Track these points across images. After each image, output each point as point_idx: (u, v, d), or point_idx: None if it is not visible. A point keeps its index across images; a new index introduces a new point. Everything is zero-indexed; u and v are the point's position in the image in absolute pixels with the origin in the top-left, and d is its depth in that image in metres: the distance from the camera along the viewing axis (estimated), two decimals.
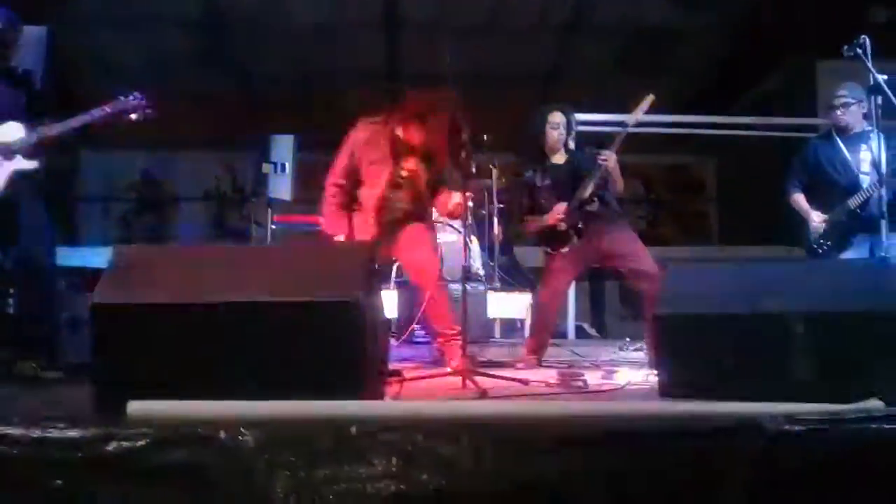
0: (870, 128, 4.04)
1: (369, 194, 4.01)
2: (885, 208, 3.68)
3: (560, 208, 4.24)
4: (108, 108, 3.58)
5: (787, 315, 2.47)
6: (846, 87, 4.18)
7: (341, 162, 4.06)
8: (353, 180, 4.05)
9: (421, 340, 5.19)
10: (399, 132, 3.95)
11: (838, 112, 4.16)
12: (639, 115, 4.07)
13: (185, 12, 8.62)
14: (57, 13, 7.45)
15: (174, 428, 1.81)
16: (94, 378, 2.20)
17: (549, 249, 4.35)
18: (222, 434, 1.79)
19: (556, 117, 4.41)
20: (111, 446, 1.78)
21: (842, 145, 4.16)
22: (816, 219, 4.15)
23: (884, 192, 3.73)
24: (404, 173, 4.01)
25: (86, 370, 2.31)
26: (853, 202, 4.02)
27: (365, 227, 4.00)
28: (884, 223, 3.66)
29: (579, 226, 4.20)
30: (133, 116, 3.65)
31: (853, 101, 4.08)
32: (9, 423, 1.81)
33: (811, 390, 2.27)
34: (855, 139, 4.15)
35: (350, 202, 4.08)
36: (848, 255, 4.06)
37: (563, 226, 4.23)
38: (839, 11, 7.26)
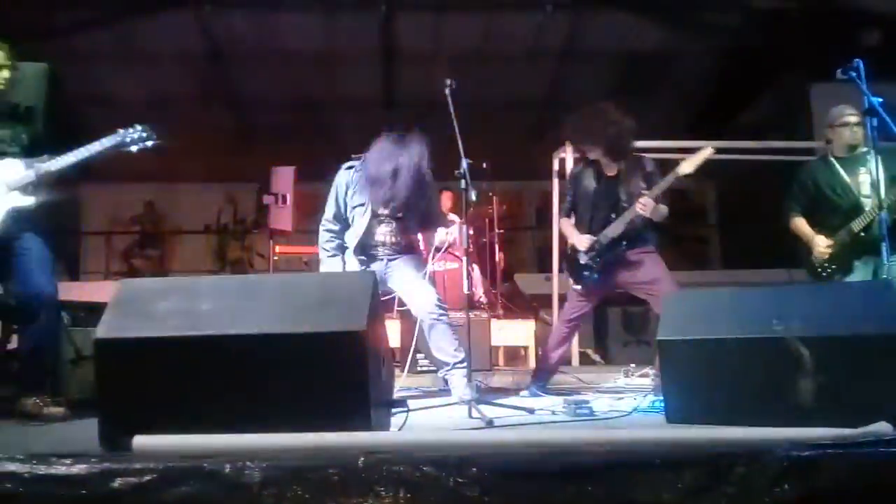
0: (865, 150, 4.05)
1: (356, 233, 4.10)
2: (885, 231, 3.69)
3: (584, 240, 4.19)
4: (107, 142, 3.58)
5: (791, 339, 2.47)
6: (848, 107, 4.18)
7: (329, 208, 4.18)
8: (343, 224, 4.17)
9: (425, 370, 5.18)
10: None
11: (851, 130, 4.14)
12: (692, 167, 3.97)
13: (184, 47, 8.71)
14: (58, 49, 7.55)
15: (180, 462, 1.80)
16: (99, 413, 2.19)
17: (570, 278, 4.33)
18: (228, 468, 1.78)
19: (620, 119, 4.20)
20: (117, 482, 1.77)
21: (839, 168, 4.17)
22: (821, 244, 4.14)
23: (884, 214, 3.74)
24: (385, 211, 4.06)
25: (90, 405, 2.30)
26: (857, 225, 4.02)
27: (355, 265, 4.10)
28: (885, 245, 3.65)
29: (595, 265, 4.16)
30: (134, 149, 3.64)
31: (860, 119, 4.06)
32: (13, 460, 1.81)
33: (818, 414, 2.26)
34: (853, 162, 4.16)
35: (343, 245, 4.18)
36: (852, 277, 4.06)
37: (583, 258, 4.19)
38: (832, 34, 7.33)
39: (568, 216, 4.41)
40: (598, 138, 4.17)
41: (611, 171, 4.23)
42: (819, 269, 4.16)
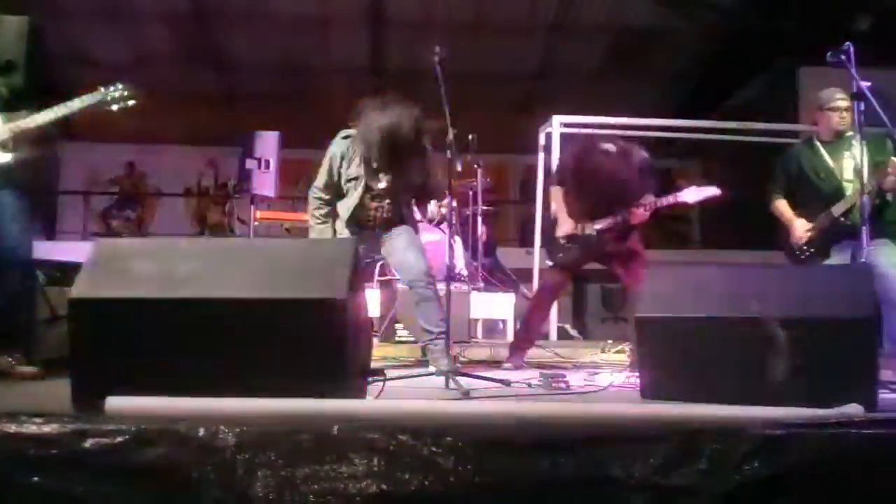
0: (850, 134, 4.05)
1: (348, 206, 4.06)
2: (867, 215, 3.71)
3: (567, 227, 4.27)
4: (87, 99, 3.51)
5: (767, 319, 2.49)
6: (839, 91, 4.17)
7: (322, 177, 4.10)
8: (335, 193, 4.11)
9: (404, 340, 5.18)
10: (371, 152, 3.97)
11: (840, 115, 4.13)
12: (695, 199, 4.18)
13: (170, 6, 8.56)
14: (41, 4, 7.38)
15: (153, 425, 1.79)
16: (72, 373, 2.17)
17: (551, 257, 4.38)
18: (202, 431, 1.77)
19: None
20: (88, 443, 1.76)
21: (824, 152, 4.17)
22: (800, 227, 4.16)
23: (866, 199, 3.75)
24: (381, 186, 4.02)
25: (64, 365, 2.28)
26: (837, 209, 4.04)
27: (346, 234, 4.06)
28: (865, 229, 3.68)
29: (577, 250, 4.26)
30: (115, 107, 3.57)
31: (849, 104, 4.07)
32: None
33: (791, 394, 2.28)
34: (838, 146, 4.16)
35: (334, 212, 4.13)
36: (831, 261, 4.09)
37: (564, 242, 4.28)
38: (824, 18, 7.33)
39: (559, 184, 4.45)
40: None
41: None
42: (797, 252, 4.18)
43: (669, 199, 4.18)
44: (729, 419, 1.93)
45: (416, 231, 4.27)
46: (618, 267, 4.30)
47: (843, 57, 3.57)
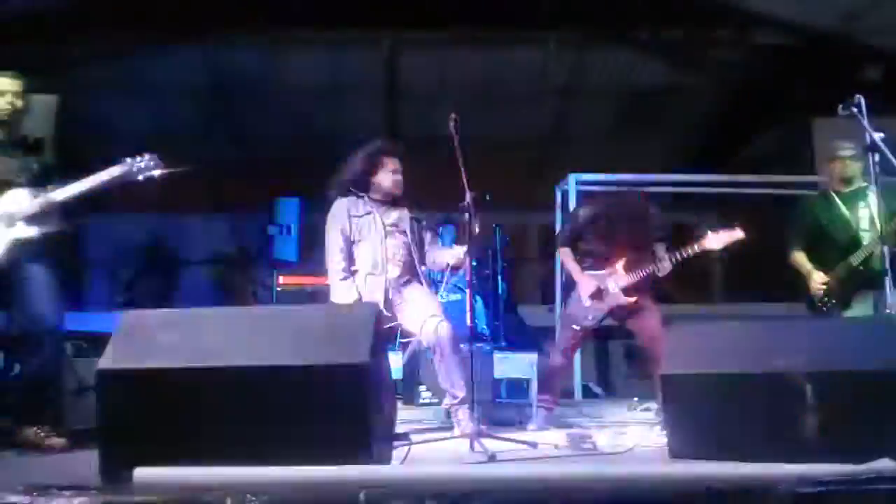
0: (865, 184, 4.07)
1: (361, 266, 4.06)
2: (887, 264, 3.69)
3: (590, 285, 4.25)
4: (114, 171, 3.58)
5: (795, 374, 2.46)
6: (843, 141, 4.22)
7: (336, 245, 4.09)
8: (350, 257, 4.11)
9: (427, 402, 5.14)
10: (376, 212, 4.06)
11: (846, 164, 4.17)
12: (719, 244, 4.14)
13: (189, 79, 8.82)
14: (66, 81, 7.65)
15: (180, 495, 1.79)
16: (100, 444, 2.19)
17: (577, 320, 4.36)
18: (229, 501, 1.77)
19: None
20: None
21: (839, 202, 4.19)
22: (819, 279, 4.15)
23: (885, 248, 3.75)
24: (391, 242, 4.06)
25: (92, 437, 2.29)
26: (855, 259, 4.03)
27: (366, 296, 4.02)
28: (888, 279, 3.66)
29: (602, 311, 4.25)
30: (140, 178, 3.64)
31: (858, 154, 4.11)
32: (13, 491, 1.80)
33: (821, 450, 2.25)
34: (852, 196, 4.18)
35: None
36: (851, 312, 4.06)
37: (587, 303, 4.25)
38: (834, 70, 7.41)
39: (566, 245, 4.44)
40: None
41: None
42: (818, 304, 4.16)
43: (694, 248, 4.14)
44: (759, 477, 1.91)
45: (430, 289, 4.28)
46: (633, 322, 4.27)
47: (854, 109, 3.61)
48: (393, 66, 8.85)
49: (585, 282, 4.28)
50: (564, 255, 4.45)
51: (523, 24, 8.19)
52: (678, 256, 4.15)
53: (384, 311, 3.88)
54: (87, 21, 7.56)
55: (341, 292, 4.00)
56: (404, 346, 5.32)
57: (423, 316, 3.95)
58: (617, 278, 4.21)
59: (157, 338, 2.29)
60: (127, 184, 3.66)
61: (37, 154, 3.76)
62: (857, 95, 3.62)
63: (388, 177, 4.16)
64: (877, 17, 7.34)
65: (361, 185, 4.17)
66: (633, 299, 4.19)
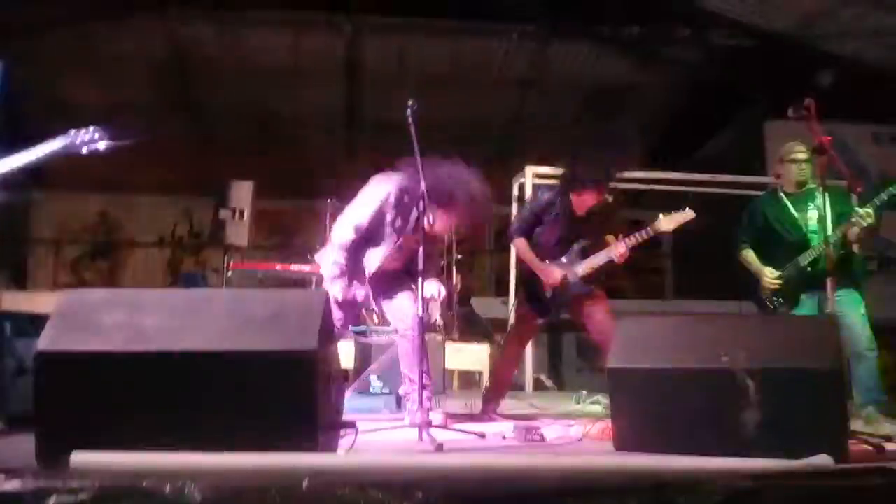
0: (814, 186, 4.16)
1: (374, 255, 3.86)
2: (831, 266, 3.80)
3: (554, 274, 4.17)
4: (56, 143, 3.45)
5: (737, 370, 2.51)
6: (798, 144, 4.30)
7: (361, 221, 3.79)
8: (364, 238, 3.85)
9: (377, 392, 5.12)
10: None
11: (799, 167, 4.25)
12: (671, 226, 4.14)
13: (147, 53, 8.61)
14: (15, 48, 7.40)
15: (119, 481, 1.75)
16: (37, 428, 2.12)
17: (522, 304, 4.34)
18: (168, 487, 1.73)
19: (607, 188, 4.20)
20: (52, 501, 1.72)
21: (788, 203, 4.28)
22: (769, 275, 4.23)
23: (831, 249, 3.85)
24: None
25: (29, 420, 2.23)
26: (804, 259, 4.12)
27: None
28: (829, 280, 3.76)
29: (563, 301, 4.22)
30: (84, 150, 3.51)
31: (808, 156, 4.19)
32: None
33: (762, 445, 2.29)
34: (801, 198, 4.26)
35: (355, 266, 3.87)
36: (799, 311, 4.15)
37: (548, 294, 4.21)
38: (788, 73, 7.57)
39: (522, 236, 4.34)
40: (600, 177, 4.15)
41: (581, 210, 4.25)
42: (767, 302, 4.25)
43: (648, 231, 4.13)
44: (700, 471, 1.93)
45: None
46: (585, 315, 4.26)
47: (804, 111, 3.68)
48: (354, 51, 8.77)
49: (549, 272, 4.20)
50: (520, 246, 4.34)
51: (486, 15, 8.19)
52: (634, 240, 4.13)
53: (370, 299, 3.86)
54: None
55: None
56: (357, 334, 5.28)
57: (408, 302, 3.85)
58: (576, 268, 4.19)
59: (98, 319, 2.23)
60: (71, 156, 3.52)
61: None
62: (808, 98, 3.68)
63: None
64: (832, 23, 7.51)
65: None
66: (591, 287, 4.20)
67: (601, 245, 4.25)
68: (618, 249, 4.12)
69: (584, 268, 4.20)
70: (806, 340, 2.62)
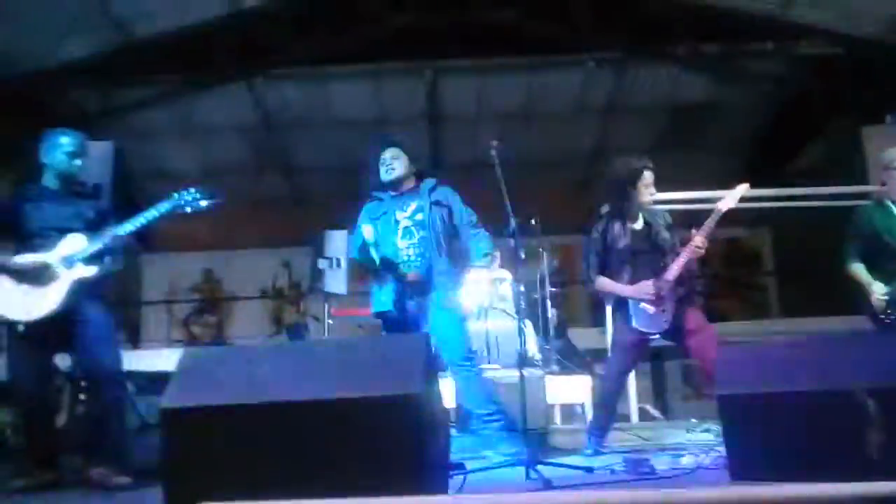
0: None
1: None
2: None
3: (647, 287, 4.04)
4: (163, 206, 3.62)
5: (857, 390, 2.41)
6: None
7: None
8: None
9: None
10: None
11: None
12: (733, 202, 4.02)
13: (238, 119, 9.07)
14: (119, 126, 7.94)
15: None
16: (163, 481, 2.24)
17: (620, 323, 4.22)
18: None
19: (650, 177, 4.16)
20: None
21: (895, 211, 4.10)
22: (878, 290, 4.04)
23: None
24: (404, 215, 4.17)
25: (155, 474, 2.35)
26: None
27: None
28: None
29: (671, 312, 4.04)
30: (189, 210, 3.70)
31: None
32: None
33: (885, 468, 2.19)
34: None
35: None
36: None
37: (653, 309, 4.06)
38: (880, 77, 7.27)
39: (602, 273, 4.24)
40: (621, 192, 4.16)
41: (637, 224, 4.20)
42: (881, 316, 4.05)
43: (714, 217, 4.00)
44: (823, 497, 1.86)
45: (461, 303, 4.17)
46: (687, 339, 4.13)
47: None
48: (434, 95, 8.97)
49: (637, 289, 4.07)
50: (603, 284, 4.22)
51: (562, 48, 8.25)
52: (707, 227, 3.98)
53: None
54: (137, 68, 7.86)
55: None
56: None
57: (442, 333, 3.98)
58: (666, 274, 4.03)
59: (215, 374, 2.35)
60: (177, 217, 3.72)
61: (94, 200, 3.89)
62: None
63: None
64: None
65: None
66: (688, 292, 4.07)
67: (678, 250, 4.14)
68: (695, 241, 3.97)
69: (672, 271, 4.03)
70: None
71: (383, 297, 4.09)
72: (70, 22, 6.94)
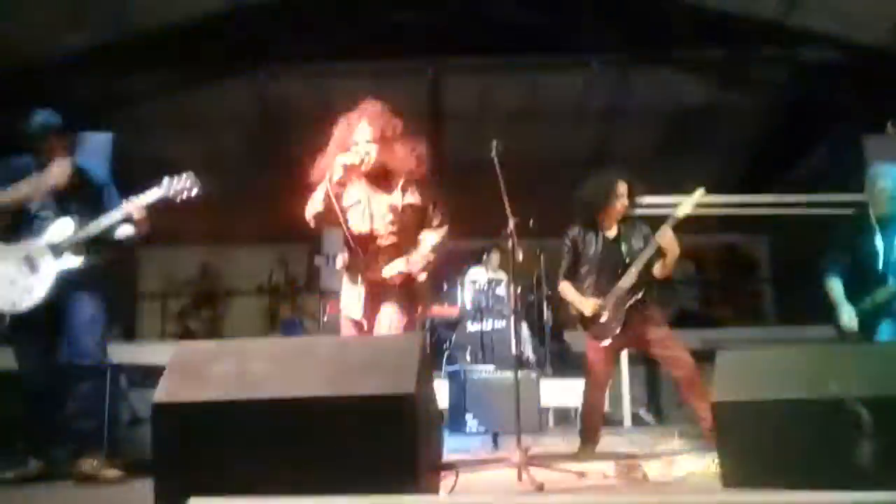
0: None
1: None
2: None
3: (591, 304, 4.18)
4: (152, 194, 3.62)
5: (850, 399, 2.40)
6: (881, 172, 4.07)
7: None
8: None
9: (475, 431, 5.13)
10: None
11: (881, 199, 4.02)
12: (688, 208, 4.07)
13: (239, 112, 9.04)
14: (119, 117, 7.91)
15: None
16: (155, 475, 2.23)
17: (589, 335, 4.29)
18: None
19: (622, 187, 4.30)
20: None
21: (877, 229, 4.03)
22: (846, 315, 4.04)
23: None
24: None
25: (146, 468, 2.34)
26: (879, 297, 3.91)
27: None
28: None
29: (622, 319, 4.13)
30: (181, 198, 3.68)
31: (886, 187, 3.99)
32: None
33: (878, 477, 2.18)
34: (889, 225, 4.02)
35: None
36: (880, 337, 3.94)
37: (605, 317, 4.17)
38: (882, 85, 7.26)
39: (568, 278, 4.36)
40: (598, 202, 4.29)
41: (611, 232, 4.30)
42: (847, 333, 4.04)
43: (669, 224, 4.06)
44: None
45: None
46: (652, 348, 4.17)
47: None
48: (436, 94, 8.95)
49: (584, 302, 4.21)
50: (567, 290, 4.34)
51: (565, 49, 8.23)
52: (667, 227, 4.06)
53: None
54: (137, 60, 7.83)
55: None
56: (450, 374, 5.32)
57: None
58: (621, 282, 4.12)
59: (208, 370, 2.33)
60: (169, 207, 3.69)
61: (89, 188, 3.82)
62: None
63: None
64: None
65: None
66: (639, 295, 4.11)
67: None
68: (659, 239, 4.05)
69: (626, 279, 4.12)
70: None
71: None
72: (70, 13, 6.91)
